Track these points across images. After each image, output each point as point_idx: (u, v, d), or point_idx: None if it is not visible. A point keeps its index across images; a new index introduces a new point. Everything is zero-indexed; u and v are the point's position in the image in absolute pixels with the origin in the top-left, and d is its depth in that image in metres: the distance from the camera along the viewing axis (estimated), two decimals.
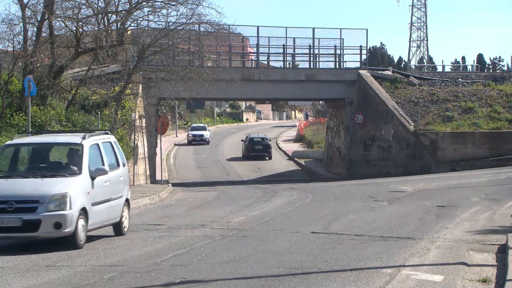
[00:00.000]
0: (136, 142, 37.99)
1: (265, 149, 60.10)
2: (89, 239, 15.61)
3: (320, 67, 47.01)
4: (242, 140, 62.97)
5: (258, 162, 56.52)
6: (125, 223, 17.20)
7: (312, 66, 46.79)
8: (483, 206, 22.35)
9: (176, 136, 78.57)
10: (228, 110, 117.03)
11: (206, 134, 71.94)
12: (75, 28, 34.87)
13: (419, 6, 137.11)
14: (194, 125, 78.73)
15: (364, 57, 47.72)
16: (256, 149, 59.82)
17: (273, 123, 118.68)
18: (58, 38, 34.72)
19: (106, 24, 38.38)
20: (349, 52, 47.69)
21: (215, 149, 65.97)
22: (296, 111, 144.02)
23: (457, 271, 12.01)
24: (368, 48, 49.65)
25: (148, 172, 41.18)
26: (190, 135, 71.99)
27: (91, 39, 36.09)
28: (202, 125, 77.93)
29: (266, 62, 49.66)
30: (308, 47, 46.46)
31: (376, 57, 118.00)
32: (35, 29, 33.66)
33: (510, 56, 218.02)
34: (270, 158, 59.97)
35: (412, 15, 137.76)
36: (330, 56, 47.38)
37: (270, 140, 63.77)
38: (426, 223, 18.50)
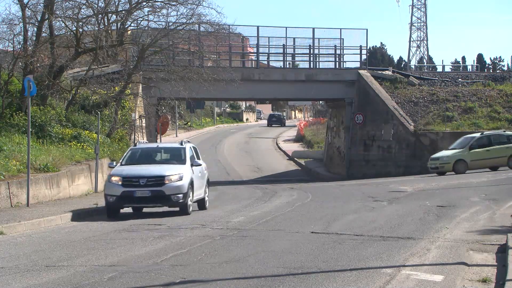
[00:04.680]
0: (136, 142, 37.95)
1: (279, 121, 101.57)
2: None
3: (320, 67, 47.03)
4: (270, 114, 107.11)
5: (258, 162, 57.23)
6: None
7: (312, 66, 46.80)
8: (483, 206, 22.31)
9: (176, 136, 78.46)
10: (228, 110, 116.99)
11: None
12: (75, 28, 34.88)
13: (419, 6, 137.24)
14: None
15: (364, 57, 47.75)
16: (273, 121, 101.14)
17: None
18: (58, 38, 34.74)
19: (106, 24, 38.44)
20: (349, 52, 47.73)
21: (215, 149, 65.96)
22: (296, 111, 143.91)
23: (457, 271, 12.00)
24: (368, 48, 49.71)
25: None
26: None
27: (91, 39, 36.12)
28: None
29: (266, 62, 49.70)
30: (308, 47, 46.48)
31: (376, 57, 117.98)
32: (35, 29, 33.67)
33: (510, 56, 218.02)
34: (283, 125, 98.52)
35: (412, 15, 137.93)
36: (330, 56, 47.40)
37: (283, 116, 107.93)
38: (426, 223, 18.47)
